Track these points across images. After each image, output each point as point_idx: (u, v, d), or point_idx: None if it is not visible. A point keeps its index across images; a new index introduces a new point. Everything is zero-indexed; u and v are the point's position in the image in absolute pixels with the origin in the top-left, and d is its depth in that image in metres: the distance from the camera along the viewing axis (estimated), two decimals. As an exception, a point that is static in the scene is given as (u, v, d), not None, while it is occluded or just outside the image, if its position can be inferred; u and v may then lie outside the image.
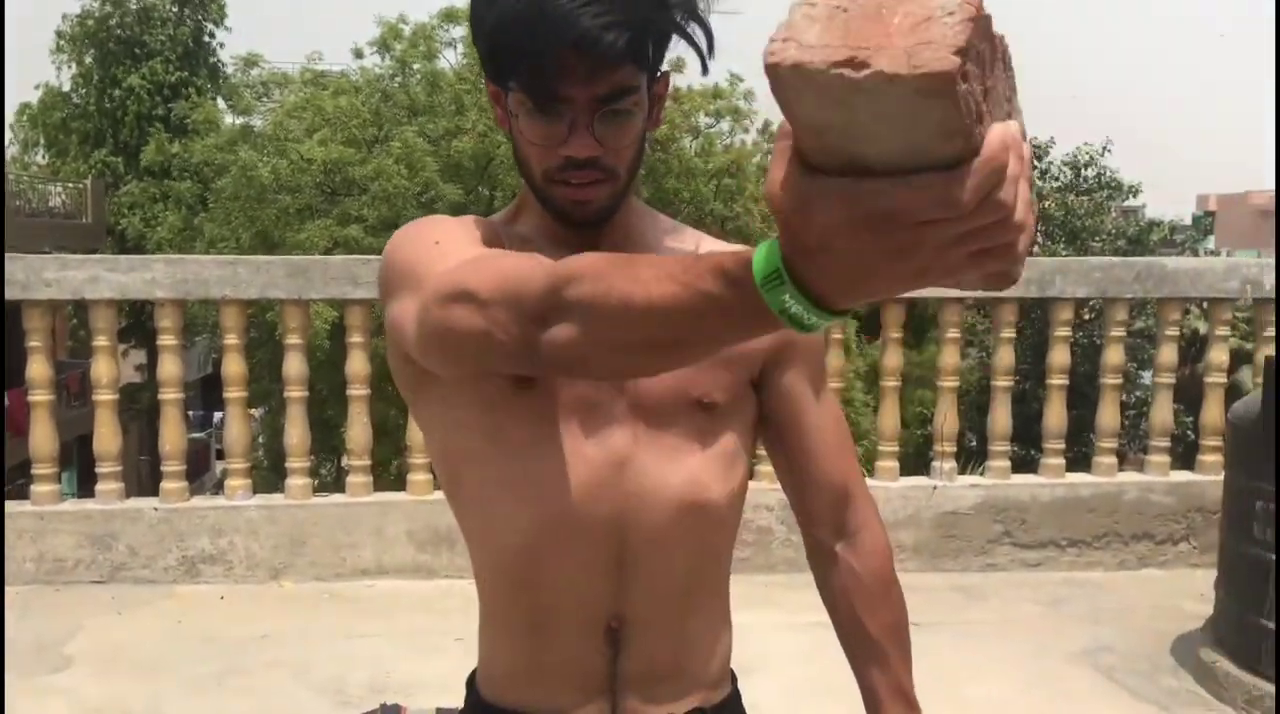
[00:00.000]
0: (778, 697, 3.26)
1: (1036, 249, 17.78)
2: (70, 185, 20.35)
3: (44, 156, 22.58)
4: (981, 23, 0.59)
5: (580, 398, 1.12)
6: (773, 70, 0.60)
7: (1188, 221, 37.40)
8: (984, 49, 0.60)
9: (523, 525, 1.14)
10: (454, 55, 16.59)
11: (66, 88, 21.71)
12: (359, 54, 16.94)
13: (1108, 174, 17.71)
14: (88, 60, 21.34)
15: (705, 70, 1.12)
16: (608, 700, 1.18)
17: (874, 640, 1.27)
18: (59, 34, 21.31)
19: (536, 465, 1.12)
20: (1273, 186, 41.41)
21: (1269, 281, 4.69)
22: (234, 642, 3.76)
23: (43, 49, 22.85)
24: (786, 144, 0.66)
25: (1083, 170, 17.75)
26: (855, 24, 0.59)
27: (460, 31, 16.38)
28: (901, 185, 0.61)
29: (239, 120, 17.39)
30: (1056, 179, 17.75)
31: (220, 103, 19.36)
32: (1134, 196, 18.52)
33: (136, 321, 15.57)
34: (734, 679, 1.31)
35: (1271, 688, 3.28)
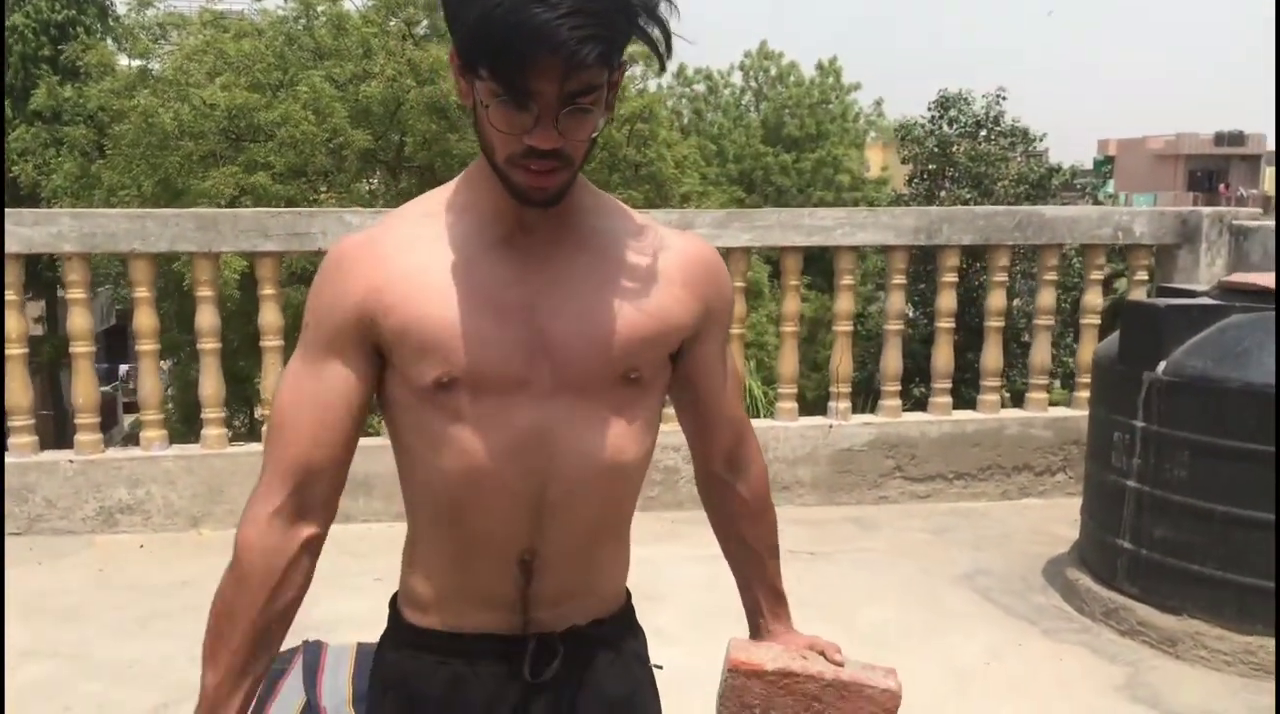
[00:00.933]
0: (681, 622, 3.50)
1: (942, 194, 18.28)
2: (-47, 131, 19.48)
3: (-77, 101, 21.52)
4: None
5: (511, 375, 1.25)
6: None
7: (1089, 166, 38.45)
8: None
9: (451, 478, 1.28)
10: (360, -2, 16.26)
11: (-54, 27, 20.68)
12: (256, -2, 16.49)
13: (1014, 122, 18.19)
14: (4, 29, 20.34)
15: (663, 69, 1.25)
16: (520, 617, 1.32)
17: (754, 549, 1.54)
18: (-64, -31, 20.25)
19: (466, 429, 1.25)
20: (1167, 132, 42.67)
21: (1139, 228, 5.01)
22: (156, 588, 3.86)
23: (-79, -14, 21.68)
24: None
25: (987, 122, 18.22)
26: None
27: (365, -28, 16.03)
28: None
29: (135, 63, 16.82)
30: (963, 128, 18.19)
31: (112, 44, 18.67)
32: (1039, 142, 19.03)
33: (33, 272, 15.09)
34: (629, 594, 1.46)
35: (1125, 600, 3.61)
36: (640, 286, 1.29)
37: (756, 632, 1.56)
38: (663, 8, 1.17)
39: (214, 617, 1.29)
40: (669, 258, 1.33)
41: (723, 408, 1.47)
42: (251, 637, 1.28)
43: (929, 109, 18.49)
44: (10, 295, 4.29)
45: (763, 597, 1.55)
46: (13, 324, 4.29)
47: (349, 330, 1.27)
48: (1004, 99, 18.02)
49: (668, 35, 1.18)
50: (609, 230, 1.31)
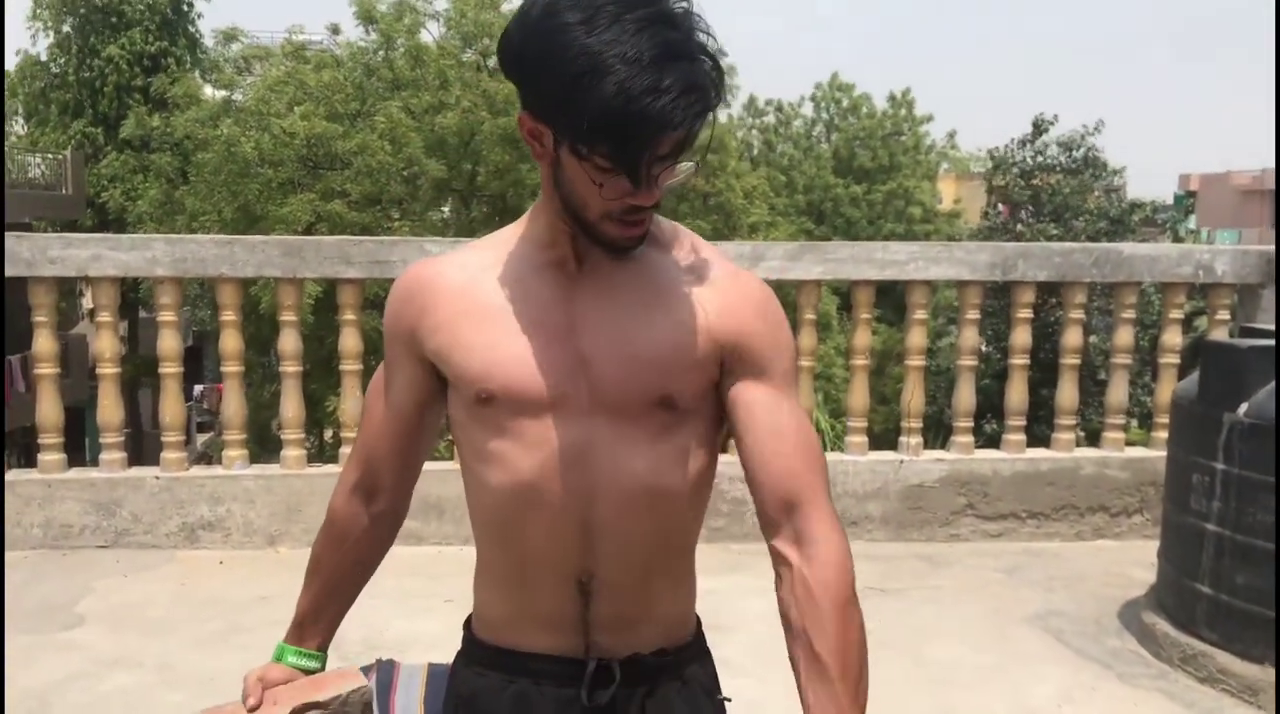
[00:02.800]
0: (746, 655, 3.49)
1: (1020, 227, 18.06)
2: (49, 156, 20.24)
3: (23, 126, 22.43)
4: None
5: (548, 393, 1.30)
6: None
7: (1169, 201, 37.71)
8: None
9: (500, 492, 1.34)
10: (437, 28, 16.64)
11: (44, 56, 21.55)
12: (336, 30, 16.95)
13: (1094, 154, 17.94)
14: (65, 28, 21.19)
15: (716, 106, 1.29)
16: (581, 640, 1.35)
17: (819, 660, 1.22)
18: (36, 1, 21.14)
19: (510, 444, 1.32)
20: (1254, 167, 41.72)
21: (1220, 267, 4.93)
22: (235, 603, 3.96)
23: (18, 15, 22.64)
24: None
25: (1074, 151, 17.97)
26: None
27: (443, 4, 16.42)
28: None
29: (219, 94, 17.38)
30: (1048, 159, 17.97)
31: (199, 75, 19.30)
32: (1117, 177, 18.74)
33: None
34: (699, 624, 1.47)
35: (1204, 647, 3.53)
36: (673, 310, 1.31)
37: None
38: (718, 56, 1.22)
39: (310, 557, 1.54)
40: (709, 284, 1.33)
41: (769, 461, 1.29)
42: (331, 579, 1.53)
43: (1019, 138, 18.22)
44: (105, 316, 4.47)
45: None
46: (106, 344, 4.46)
47: (405, 344, 1.40)
48: (1100, 131, 17.74)
49: (721, 74, 1.24)
50: (659, 257, 1.34)
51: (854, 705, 1.21)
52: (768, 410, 1.32)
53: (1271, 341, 3.55)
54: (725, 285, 1.34)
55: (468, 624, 1.47)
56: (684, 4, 1.18)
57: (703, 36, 1.18)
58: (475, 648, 1.43)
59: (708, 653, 1.48)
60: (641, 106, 1.11)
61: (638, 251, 1.32)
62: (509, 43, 1.21)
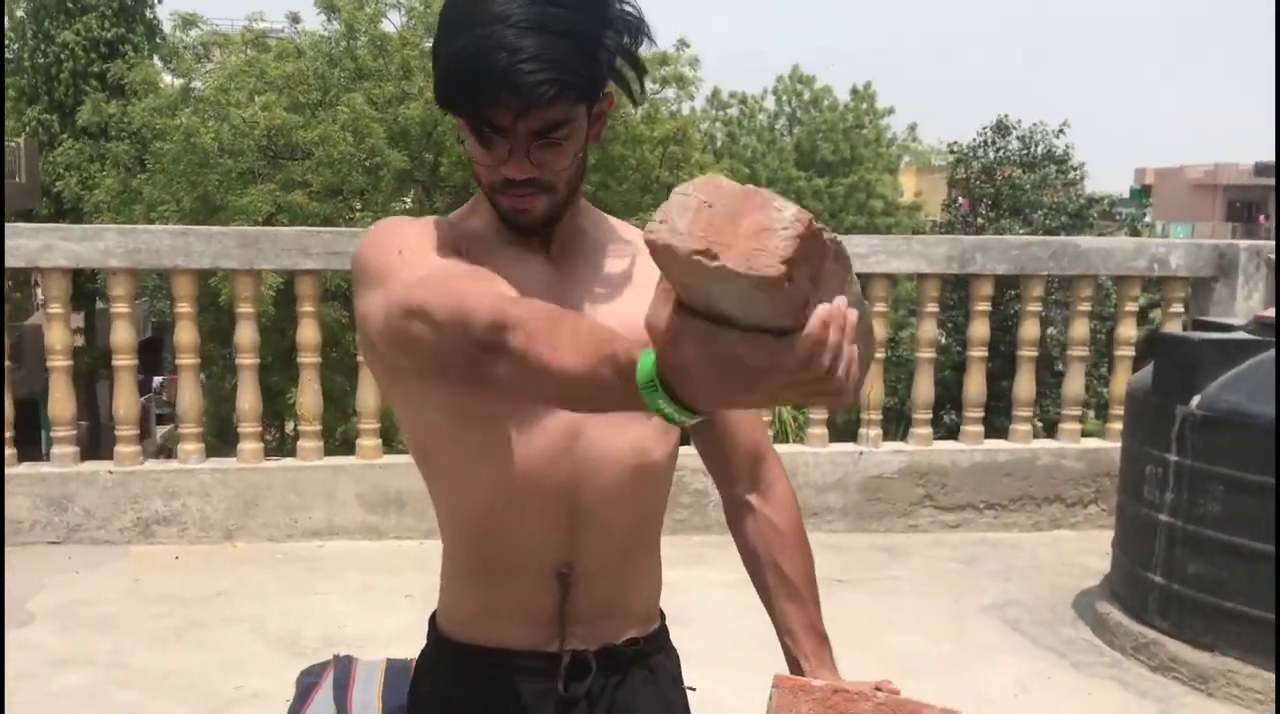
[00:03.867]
0: (708, 646, 3.50)
1: (980, 221, 18.24)
2: (4, 143, 19.89)
3: (-25, 113, 21.99)
4: (809, 239, 0.78)
5: None
6: (650, 246, 0.81)
7: (1126, 195, 38.19)
8: (815, 251, 0.79)
9: (484, 486, 1.31)
10: (398, 18, 16.49)
11: (-2, 42, 21.16)
12: (296, 19, 16.75)
13: (1056, 151, 18.18)
14: (19, 14, 20.81)
15: (636, 106, 1.31)
16: (556, 632, 1.35)
17: (789, 580, 1.42)
18: (-11, -14, 20.73)
19: (496, 435, 1.29)
20: (1206, 162, 42.33)
21: (1174, 261, 4.99)
22: (191, 599, 3.91)
23: (-28, 3, 22.18)
24: (666, 287, 0.86)
25: (1033, 148, 18.18)
26: (716, 220, 0.78)
27: (406, -7, 16.26)
28: (744, 341, 0.82)
29: (178, 82, 17.13)
30: (1009, 155, 18.19)
31: (157, 62, 19.02)
32: (1076, 172, 18.98)
33: (73, 284, 15.29)
34: (663, 615, 1.48)
35: (1156, 635, 3.58)
36: (646, 294, 1.30)
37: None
38: (629, 42, 1.23)
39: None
40: None
41: (739, 426, 1.45)
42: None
43: (981, 133, 18.41)
44: (56, 308, 4.39)
45: (803, 637, 1.42)
46: (57, 336, 4.39)
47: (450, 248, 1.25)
48: (1064, 132, 17.98)
49: (640, 69, 1.25)
50: (623, 247, 1.36)
51: (819, 617, 1.43)
52: None
53: (1223, 335, 3.61)
54: None
55: (433, 621, 1.44)
56: None
57: (595, 22, 1.18)
58: (444, 646, 1.40)
59: (671, 644, 1.49)
60: (488, 62, 1.13)
61: (601, 239, 1.35)
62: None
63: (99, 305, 20.35)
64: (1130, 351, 5.12)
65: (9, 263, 4.30)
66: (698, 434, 1.46)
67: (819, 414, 5.01)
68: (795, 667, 1.44)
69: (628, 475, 1.33)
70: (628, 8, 1.23)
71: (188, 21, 17.09)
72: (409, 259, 1.21)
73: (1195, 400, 3.43)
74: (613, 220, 1.42)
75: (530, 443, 1.29)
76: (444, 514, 1.39)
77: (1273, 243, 5.13)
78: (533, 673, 1.35)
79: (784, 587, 1.43)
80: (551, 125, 1.19)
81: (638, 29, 1.24)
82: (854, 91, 27.18)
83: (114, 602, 3.90)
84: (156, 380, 25.76)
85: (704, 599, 3.89)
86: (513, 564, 1.34)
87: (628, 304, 1.30)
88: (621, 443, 1.32)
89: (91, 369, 17.70)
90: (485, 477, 1.31)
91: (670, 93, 18.38)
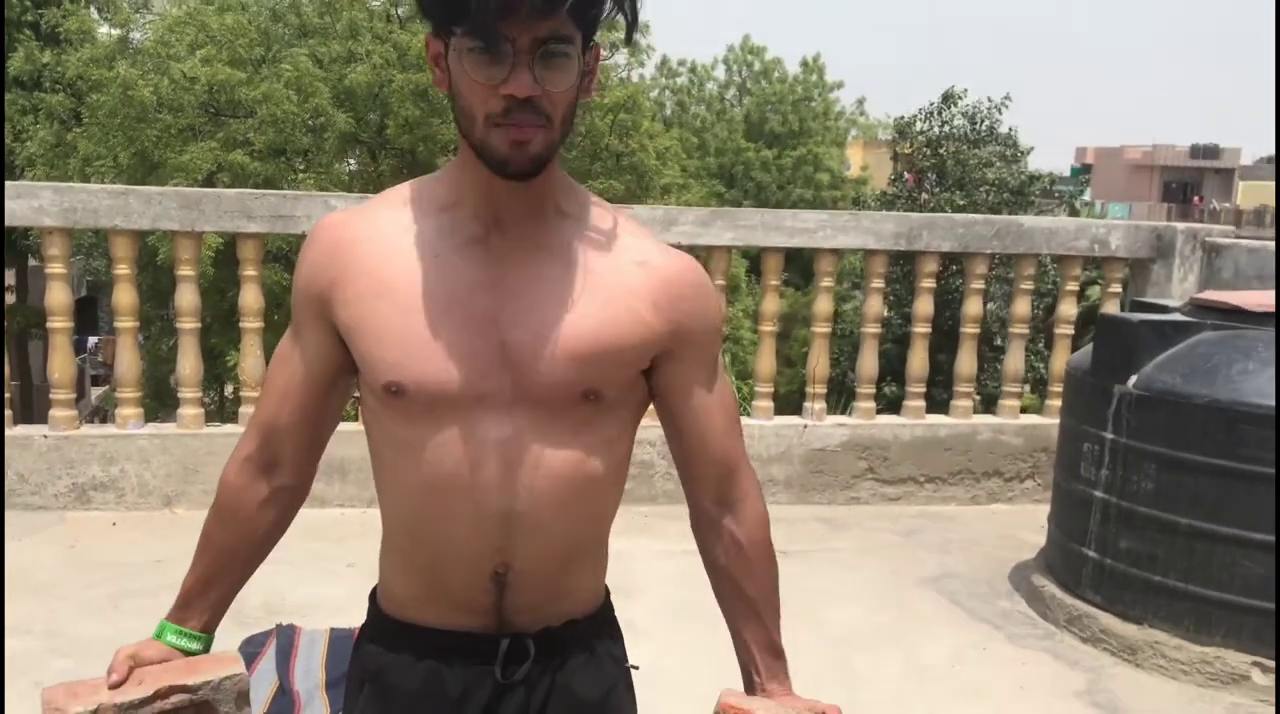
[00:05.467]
0: (652, 617, 3.54)
1: (925, 197, 18.41)
2: (-72, 93, 19.21)
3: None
4: None
5: (468, 388, 1.25)
6: None
7: (1067, 173, 38.72)
8: None
9: (414, 485, 1.30)
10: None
11: (-76, -12, 20.39)
12: (240, -28, 16.35)
13: (1002, 129, 18.35)
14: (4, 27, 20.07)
15: (629, 40, 1.30)
16: (493, 619, 1.34)
17: (750, 600, 1.43)
18: (-85, -71, 19.94)
19: (425, 437, 1.27)
20: (1144, 142, 43.04)
21: (1114, 241, 5.09)
22: (128, 566, 3.85)
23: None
24: None
25: (979, 124, 18.33)
26: None
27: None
28: None
29: (115, 33, 16.66)
30: (953, 130, 18.30)
31: (94, 12, 18.47)
32: (1019, 149, 19.18)
33: (2, 240, 14.85)
34: (607, 592, 1.48)
35: (1088, 608, 3.68)
36: (607, 303, 1.27)
37: (751, 689, 1.44)
38: None
39: (201, 532, 1.45)
40: (645, 275, 1.30)
41: (708, 439, 1.39)
42: (218, 556, 1.44)
43: (928, 106, 18.51)
44: (-11, 268, 4.27)
45: (759, 653, 1.43)
46: (-10, 297, 4.27)
47: (313, 310, 1.33)
48: (1006, 106, 18.11)
49: (634, 7, 1.22)
50: (587, 239, 1.30)
51: (777, 633, 1.45)
52: (705, 390, 1.38)
53: (1161, 316, 3.69)
54: (664, 272, 1.32)
55: (373, 597, 1.44)
56: None
57: None
58: (383, 623, 1.40)
59: (615, 621, 1.49)
60: None
61: (563, 229, 1.29)
62: None
63: (31, 263, 19.84)
64: (1070, 330, 5.22)
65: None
66: (670, 439, 1.42)
67: (764, 387, 5.04)
68: (749, 679, 1.45)
69: (563, 487, 1.30)
70: None
71: (127, -31, 16.60)
72: (293, 309, 1.37)
73: (1132, 380, 3.51)
74: (583, 191, 1.36)
75: (461, 446, 1.26)
76: (382, 497, 1.38)
77: (1208, 226, 5.24)
78: (469, 654, 1.34)
79: (744, 605, 1.44)
80: (556, 35, 1.15)
81: None
82: (804, 63, 27.23)
83: (49, 569, 3.84)
84: (91, 341, 25.22)
85: (649, 569, 3.93)
86: (447, 561, 1.33)
87: (579, 314, 1.26)
88: (558, 460, 1.28)
89: (23, 328, 17.26)
90: (417, 475, 1.29)
91: (620, 59, 18.26)
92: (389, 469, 1.33)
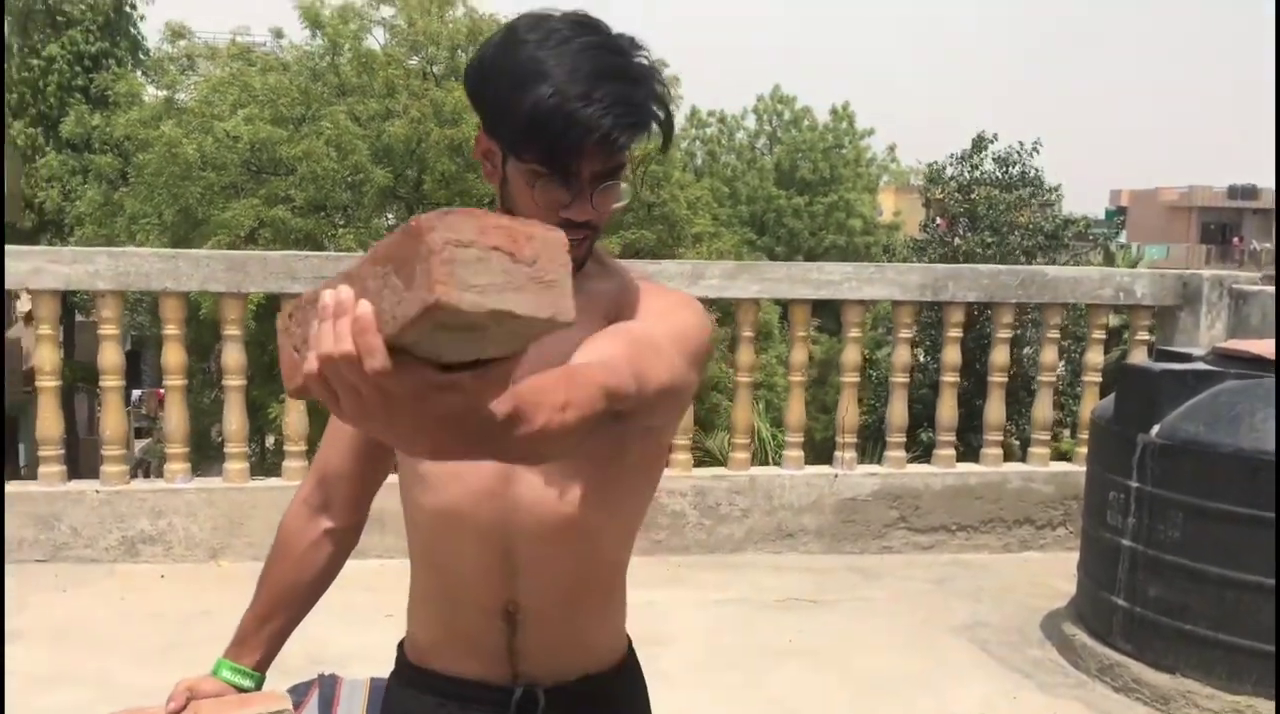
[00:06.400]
0: (684, 667, 3.60)
1: (957, 241, 18.43)
2: (-17, 155, 19.84)
3: (-44, 125, 21.94)
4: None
5: None
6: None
7: (1101, 216, 38.54)
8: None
9: (427, 516, 1.39)
10: (383, 35, 16.57)
11: (-18, 54, 21.15)
12: (278, 34, 16.83)
13: (1032, 172, 18.39)
14: (5, 28, 20.80)
15: (665, 149, 1.36)
16: (508, 667, 1.40)
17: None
18: (-27, -1, 20.72)
19: (437, 469, 1.36)
20: (1180, 184, 42.77)
21: (1140, 289, 5.13)
22: (176, 617, 3.97)
23: (-45, 13, 22.13)
24: None
25: (1010, 168, 18.38)
26: None
27: (390, 12, 16.36)
28: None
29: (162, 93, 17.16)
30: (984, 174, 18.36)
31: (141, 76, 19.05)
32: (1053, 194, 19.19)
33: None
34: (629, 647, 1.51)
35: (1120, 657, 3.70)
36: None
37: None
38: (665, 91, 1.31)
39: (261, 571, 1.53)
40: (605, 305, 1.36)
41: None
42: (273, 594, 1.51)
43: (958, 152, 18.58)
44: (45, 330, 4.45)
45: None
46: (46, 357, 4.44)
47: None
48: (1038, 151, 18.17)
49: (670, 118, 1.32)
50: (602, 292, 1.36)
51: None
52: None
53: (1183, 366, 3.73)
54: (645, 302, 1.37)
55: (400, 645, 1.52)
56: (631, 37, 1.28)
57: (645, 65, 1.27)
58: (407, 670, 1.48)
59: (639, 677, 1.52)
60: (572, 109, 1.19)
61: (589, 287, 1.34)
62: (473, 62, 1.30)
63: (78, 317, 20.31)
64: (1098, 377, 5.26)
65: (-1, 285, 4.37)
66: None
67: (794, 436, 5.11)
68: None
69: (559, 525, 1.34)
70: (647, 56, 1.30)
71: (176, 33, 17.14)
72: None
73: (1155, 429, 3.55)
74: (612, 261, 1.42)
75: (464, 479, 1.34)
76: (407, 534, 1.47)
77: (1234, 273, 5.28)
78: (485, 703, 1.40)
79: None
80: (616, 168, 1.27)
81: (661, 75, 1.32)
82: (833, 111, 27.45)
83: (100, 620, 3.96)
84: (135, 393, 25.62)
85: (682, 619, 3.98)
86: (460, 597, 1.40)
87: (557, 356, 1.25)
88: (551, 496, 1.33)
89: (70, 383, 17.62)
90: (426, 505, 1.38)
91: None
92: (409, 503, 1.43)
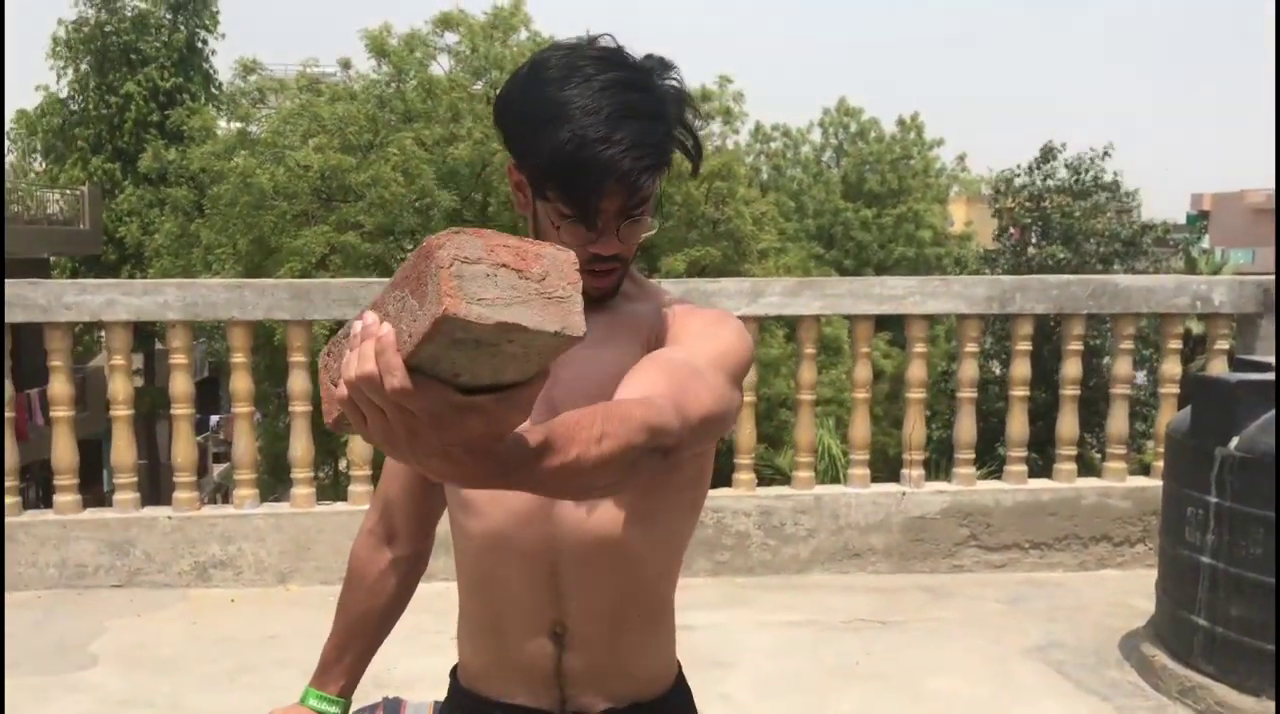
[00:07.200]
0: (749, 690, 3.54)
1: (1031, 250, 18.12)
2: (68, 192, 20.54)
3: (41, 163, 22.78)
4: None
5: None
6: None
7: (1182, 221, 37.57)
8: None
9: (475, 540, 1.40)
10: (447, 61, 16.85)
11: (63, 94, 21.93)
12: (347, 65, 17.20)
13: (1102, 176, 18.04)
14: (84, 67, 21.57)
15: (695, 173, 1.37)
16: (556, 693, 1.40)
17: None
18: (55, 40, 21.52)
19: (480, 493, 1.36)
20: (1266, 185, 41.60)
21: (1218, 297, 4.97)
22: (245, 642, 4.03)
23: (35, 54, 23.02)
24: None
25: (1083, 175, 18.05)
26: None
27: (454, 38, 16.64)
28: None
29: (235, 126, 17.64)
30: (1056, 182, 18.05)
31: (214, 110, 19.61)
32: (1131, 199, 18.81)
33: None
34: (679, 674, 1.50)
35: (1202, 679, 3.56)
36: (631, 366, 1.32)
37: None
38: (690, 115, 1.32)
39: (338, 601, 1.58)
40: (646, 328, 1.38)
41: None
42: (349, 623, 1.56)
43: (1028, 163, 18.32)
44: (119, 360, 4.57)
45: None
46: (119, 386, 4.56)
47: None
48: (1109, 155, 17.84)
49: (698, 142, 1.33)
50: (642, 314, 1.38)
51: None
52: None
53: (1262, 376, 3.60)
54: (653, 318, 1.38)
55: (454, 672, 1.52)
56: (659, 60, 1.29)
57: (670, 93, 1.28)
58: (459, 696, 1.49)
59: (690, 704, 1.51)
60: (592, 153, 1.21)
61: (626, 308, 1.37)
62: (499, 99, 1.32)
63: (158, 346, 20.89)
64: (1175, 389, 5.09)
65: (73, 318, 4.49)
66: None
67: (860, 454, 5.03)
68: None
69: (599, 547, 1.35)
70: (675, 79, 1.31)
71: (248, 68, 17.61)
72: None
73: (1234, 442, 3.42)
74: (648, 283, 1.45)
75: (506, 503, 1.35)
76: (456, 561, 1.47)
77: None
78: None
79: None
80: (639, 203, 1.28)
81: (689, 99, 1.33)
82: (900, 122, 27.18)
83: (172, 644, 4.03)
84: (214, 419, 26.26)
85: (745, 641, 3.92)
86: (508, 621, 1.40)
87: (597, 378, 1.30)
88: (592, 517, 1.34)
89: (151, 410, 18.12)
90: (471, 531, 1.39)
91: (715, 128, 18.53)
92: (456, 529, 1.43)
